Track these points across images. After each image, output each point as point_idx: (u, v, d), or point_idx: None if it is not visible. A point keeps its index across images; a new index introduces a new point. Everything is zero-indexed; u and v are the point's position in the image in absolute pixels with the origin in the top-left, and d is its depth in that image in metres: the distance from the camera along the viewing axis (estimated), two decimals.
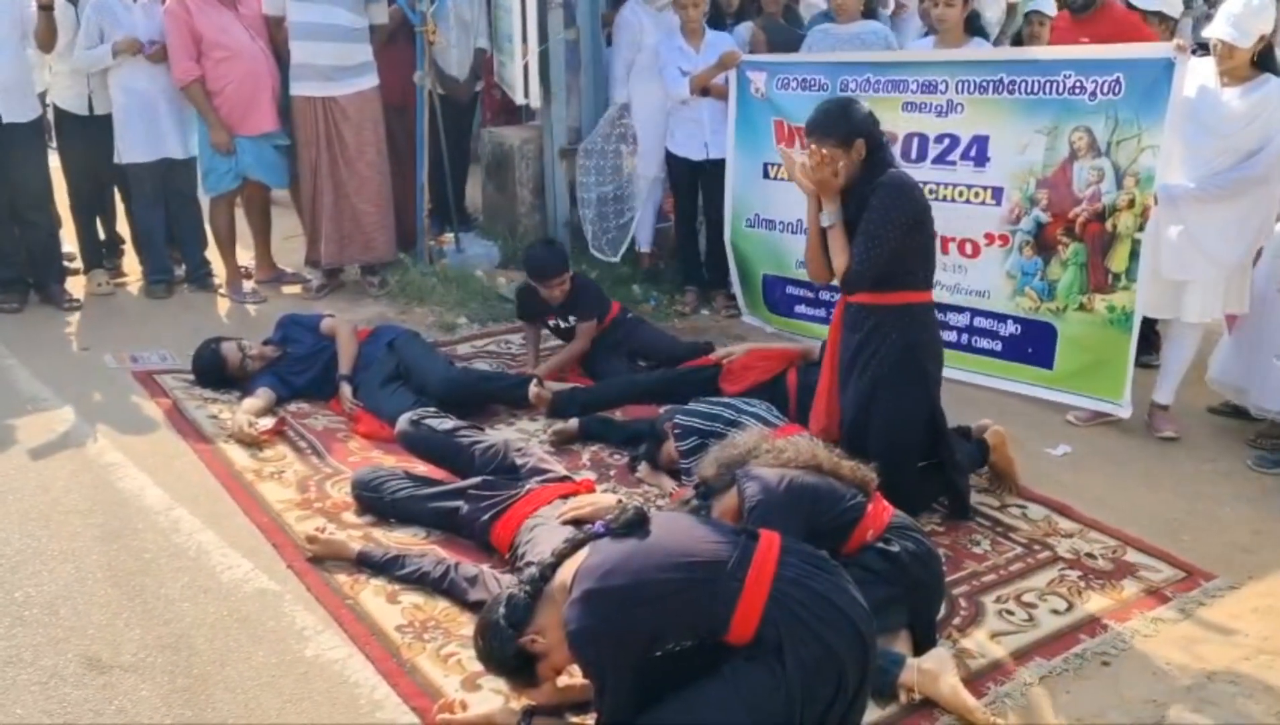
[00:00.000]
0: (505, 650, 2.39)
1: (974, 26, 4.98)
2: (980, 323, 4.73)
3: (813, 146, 3.34)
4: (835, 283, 3.45)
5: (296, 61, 5.55)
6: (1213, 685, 2.76)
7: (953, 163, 4.64)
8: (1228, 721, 2.63)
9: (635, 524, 2.39)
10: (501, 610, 2.40)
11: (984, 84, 4.50)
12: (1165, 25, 4.84)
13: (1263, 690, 2.74)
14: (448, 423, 3.73)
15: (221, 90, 5.52)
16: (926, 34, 5.51)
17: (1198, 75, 4.00)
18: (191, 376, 4.61)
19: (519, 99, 6.04)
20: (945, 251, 4.72)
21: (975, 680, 2.74)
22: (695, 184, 5.71)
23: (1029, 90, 4.39)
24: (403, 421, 3.76)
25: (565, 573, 2.36)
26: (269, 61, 5.63)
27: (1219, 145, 3.97)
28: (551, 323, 4.90)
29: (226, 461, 3.90)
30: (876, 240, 3.26)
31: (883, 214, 3.25)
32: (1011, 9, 7.98)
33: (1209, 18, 4.16)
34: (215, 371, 4.51)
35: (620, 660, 2.27)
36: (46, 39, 5.30)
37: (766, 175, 5.31)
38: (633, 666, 2.28)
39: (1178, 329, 4.27)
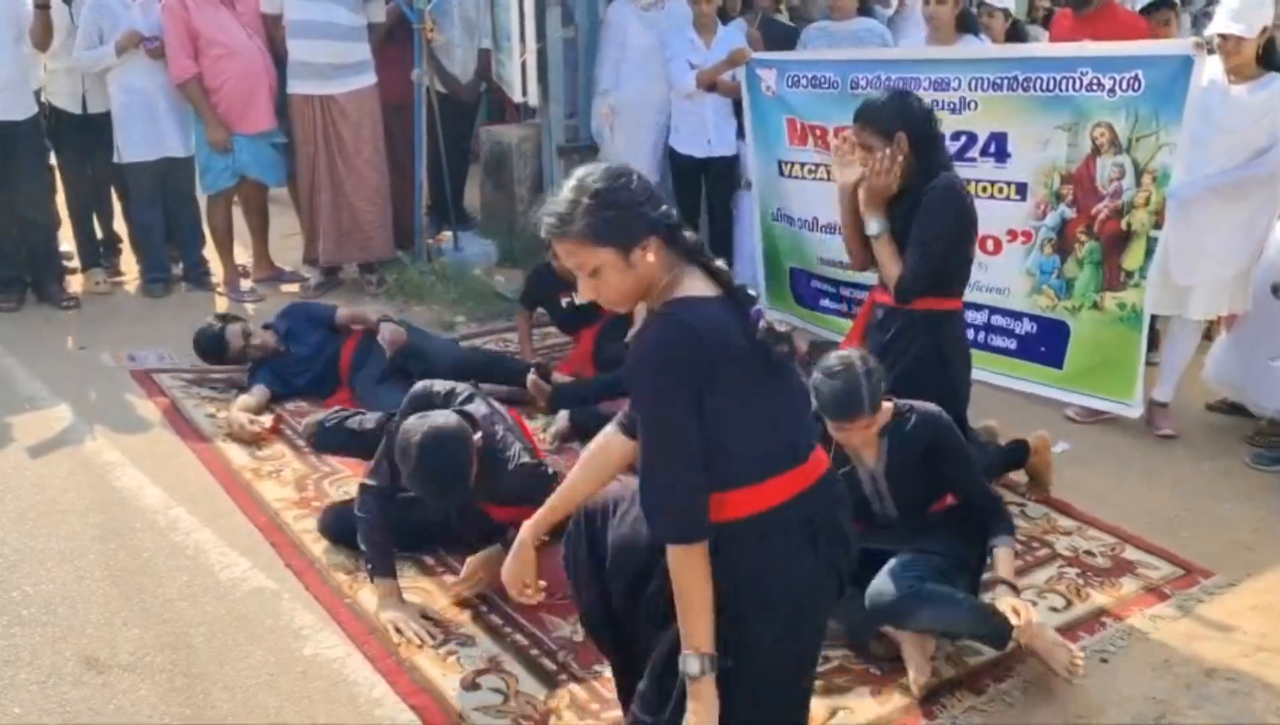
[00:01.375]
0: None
1: (967, 24, 4.97)
2: (997, 321, 4.68)
3: (851, 133, 3.22)
4: (890, 291, 3.29)
5: (294, 60, 5.55)
6: (1212, 683, 2.76)
7: (973, 159, 4.56)
8: (1227, 719, 2.63)
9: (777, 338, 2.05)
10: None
11: (998, 81, 4.44)
12: (1173, 16, 4.81)
13: (1262, 687, 2.74)
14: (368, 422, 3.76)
15: (219, 88, 5.51)
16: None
17: (1206, 71, 3.98)
18: (189, 375, 4.61)
19: (516, 97, 6.04)
20: None
21: (975, 676, 2.75)
22: (699, 181, 5.70)
23: (1045, 87, 4.32)
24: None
25: (675, 280, 2.02)
26: (266, 59, 5.62)
27: (1226, 141, 3.96)
28: (565, 301, 4.78)
29: (224, 460, 3.90)
30: (930, 247, 3.14)
31: (938, 219, 3.13)
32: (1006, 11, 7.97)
33: (1207, 15, 4.15)
34: (215, 351, 4.49)
35: (677, 402, 1.94)
36: (42, 37, 5.30)
37: (781, 173, 5.30)
38: (690, 414, 1.95)
39: (1179, 326, 4.27)
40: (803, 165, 5.15)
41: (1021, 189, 4.49)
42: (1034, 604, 3.07)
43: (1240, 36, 3.82)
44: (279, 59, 5.63)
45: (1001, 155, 4.51)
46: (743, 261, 5.72)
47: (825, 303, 5.32)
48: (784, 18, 6.27)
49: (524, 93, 5.91)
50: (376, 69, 5.71)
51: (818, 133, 5.00)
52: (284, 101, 5.68)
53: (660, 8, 5.68)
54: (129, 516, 3.50)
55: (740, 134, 5.53)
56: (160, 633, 2.89)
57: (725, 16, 5.86)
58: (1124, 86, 4.12)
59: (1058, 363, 4.49)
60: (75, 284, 5.87)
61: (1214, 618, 3.05)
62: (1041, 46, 4.73)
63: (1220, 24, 3.86)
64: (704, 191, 5.75)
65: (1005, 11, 4.87)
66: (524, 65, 5.80)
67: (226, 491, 3.68)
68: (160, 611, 2.99)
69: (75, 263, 6.01)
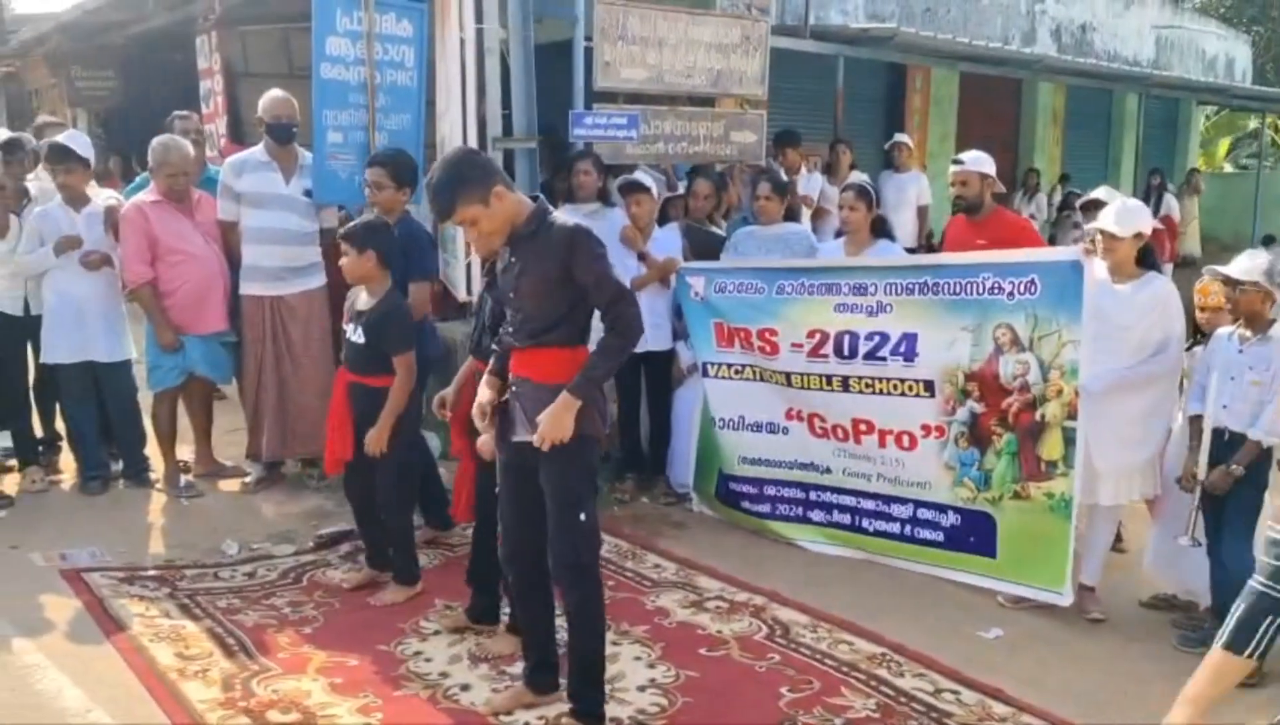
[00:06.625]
0: None
1: (881, 229, 5.31)
2: (923, 514, 4.77)
3: None
4: None
5: (247, 263, 5.73)
6: None
7: (883, 358, 4.77)
8: None
9: None
10: None
11: (910, 286, 4.71)
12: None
13: None
14: None
15: (176, 291, 5.65)
16: (838, 235, 5.83)
17: (1095, 272, 4.30)
18: (120, 573, 4.54)
19: (461, 296, 6.24)
20: (883, 445, 4.84)
21: None
22: (639, 375, 5.85)
23: (951, 291, 4.60)
24: None
25: None
26: (221, 264, 5.80)
27: (1124, 336, 4.22)
28: None
29: (149, 660, 3.81)
30: None
31: None
32: (922, 212, 8.52)
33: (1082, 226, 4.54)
34: None
35: None
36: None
37: (706, 373, 5.48)
38: None
39: (1097, 512, 4.41)
40: (729, 366, 5.35)
41: (929, 386, 4.69)
42: None
43: (1114, 235, 4.17)
44: (234, 262, 5.83)
45: (910, 355, 4.73)
46: (677, 462, 5.81)
47: (746, 504, 5.36)
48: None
49: (469, 291, 6.13)
50: (327, 269, 5.91)
51: (743, 335, 5.23)
52: (237, 301, 5.84)
53: (601, 216, 5.97)
54: (46, 720, 3.39)
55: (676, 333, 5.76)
56: None
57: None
58: (1021, 290, 4.43)
59: (990, 552, 4.56)
60: (11, 482, 5.81)
61: None
62: (949, 256, 5.02)
63: (1101, 222, 4.23)
64: (644, 386, 5.91)
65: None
66: (469, 266, 6.04)
67: (150, 692, 3.58)
68: None
69: (12, 461, 5.97)
